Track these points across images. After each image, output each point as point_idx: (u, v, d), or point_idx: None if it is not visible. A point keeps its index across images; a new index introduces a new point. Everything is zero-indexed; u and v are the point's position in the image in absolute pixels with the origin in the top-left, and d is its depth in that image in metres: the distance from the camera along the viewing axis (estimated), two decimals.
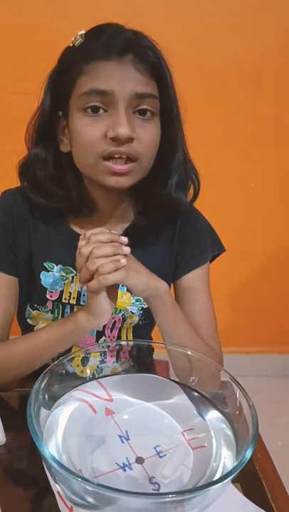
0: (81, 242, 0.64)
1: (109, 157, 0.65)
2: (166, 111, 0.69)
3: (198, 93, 1.43)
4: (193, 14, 1.37)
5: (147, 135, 0.66)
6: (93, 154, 0.65)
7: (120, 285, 0.79)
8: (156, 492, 0.44)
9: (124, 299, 0.79)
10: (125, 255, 0.63)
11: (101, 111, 0.64)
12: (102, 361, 0.70)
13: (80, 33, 0.67)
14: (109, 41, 0.63)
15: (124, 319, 0.81)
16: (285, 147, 1.55)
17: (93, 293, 0.63)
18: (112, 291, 0.66)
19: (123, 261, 0.62)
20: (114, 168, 0.65)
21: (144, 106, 0.65)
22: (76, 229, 0.79)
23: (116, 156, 0.65)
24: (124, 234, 0.79)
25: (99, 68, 0.63)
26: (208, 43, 1.40)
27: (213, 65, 1.42)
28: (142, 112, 0.66)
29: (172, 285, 0.83)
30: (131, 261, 0.65)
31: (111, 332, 0.82)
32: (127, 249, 0.64)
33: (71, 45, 0.67)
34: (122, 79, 0.63)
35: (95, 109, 0.64)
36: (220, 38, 1.40)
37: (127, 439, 0.50)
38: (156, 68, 0.66)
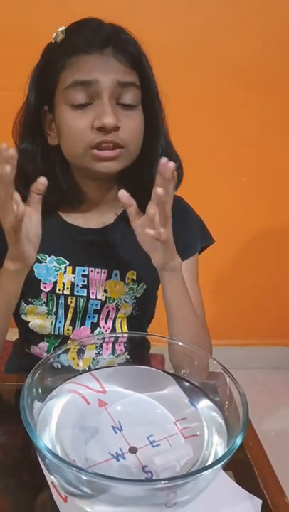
0: None
1: (96, 147, 0.67)
2: (148, 101, 0.72)
3: (193, 88, 1.43)
4: (189, 10, 1.37)
5: (132, 123, 0.69)
6: (81, 145, 0.68)
7: (114, 274, 0.79)
8: (149, 479, 0.44)
9: (117, 288, 0.80)
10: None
11: (86, 104, 0.67)
12: (98, 353, 0.71)
13: (60, 28, 0.69)
14: (90, 36, 0.66)
15: (118, 309, 0.82)
16: (278, 142, 1.56)
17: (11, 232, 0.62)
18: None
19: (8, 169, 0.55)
20: (103, 154, 0.68)
21: (127, 95, 0.68)
22: (68, 219, 0.80)
23: (104, 145, 0.67)
24: (118, 220, 0.80)
25: (81, 61, 0.66)
26: (203, 38, 1.40)
27: (208, 60, 1.43)
28: (125, 101, 0.68)
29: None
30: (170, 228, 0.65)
31: (106, 323, 0.82)
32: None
33: (52, 41, 0.70)
34: (104, 69, 0.66)
35: (81, 106, 0.66)
36: (215, 33, 1.40)
37: (120, 429, 0.51)
38: (136, 59, 0.69)
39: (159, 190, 0.60)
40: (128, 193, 0.66)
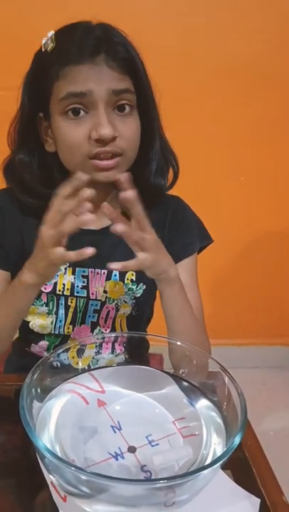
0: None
1: (95, 157, 0.67)
2: (143, 102, 0.71)
3: (191, 87, 1.44)
4: (188, 10, 1.38)
5: (129, 130, 0.68)
6: (79, 156, 0.68)
7: (113, 274, 0.80)
8: (148, 478, 0.45)
9: (116, 288, 0.81)
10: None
11: (82, 112, 0.66)
12: (98, 352, 0.71)
13: (49, 34, 0.68)
14: (80, 42, 0.65)
15: (117, 308, 0.82)
16: (276, 142, 1.56)
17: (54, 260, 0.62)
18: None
19: (85, 217, 0.58)
20: (101, 164, 0.67)
21: (122, 102, 0.67)
22: None
23: (102, 155, 0.67)
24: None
25: (74, 72, 0.65)
26: (202, 38, 1.41)
27: (206, 59, 1.43)
28: (121, 108, 0.67)
29: None
30: (153, 243, 0.64)
31: (105, 323, 0.83)
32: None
33: (43, 49, 0.68)
34: (97, 79, 0.65)
35: (76, 112, 0.66)
36: (214, 32, 1.41)
37: (119, 429, 0.51)
38: (128, 63, 0.68)
39: (116, 228, 0.59)
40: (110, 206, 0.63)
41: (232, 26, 1.41)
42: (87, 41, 0.65)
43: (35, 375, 0.50)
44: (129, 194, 0.59)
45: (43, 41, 0.68)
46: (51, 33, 0.68)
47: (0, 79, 1.32)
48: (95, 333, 0.82)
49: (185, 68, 1.42)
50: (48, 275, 0.66)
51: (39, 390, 0.51)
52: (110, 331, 0.83)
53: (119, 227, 0.60)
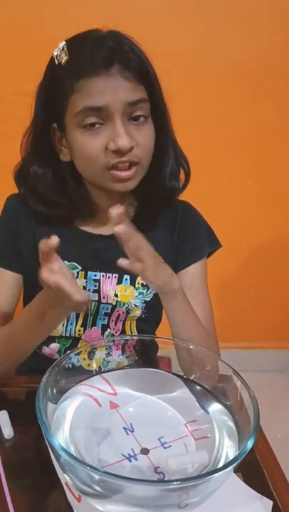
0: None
1: (113, 167, 0.67)
2: (156, 109, 0.71)
3: (196, 91, 1.44)
4: (192, 13, 1.38)
5: (145, 138, 0.69)
6: (98, 167, 0.68)
7: (124, 279, 0.81)
8: (162, 479, 0.45)
9: (127, 292, 0.81)
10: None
11: (98, 124, 0.66)
12: (108, 354, 0.72)
13: (60, 45, 0.67)
14: (93, 54, 0.64)
15: (128, 312, 0.83)
16: (283, 145, 1.57)
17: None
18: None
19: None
20: (121, 176, 0.68)
21: (138, 112, 0.67)
22: (81, 226, 0.81)
23: (120, 165, 0.67)
24: None
25: (89, 85, 0.64)
26: (207, 41, 1.41)
27: (211, 63, 1.43)
28: (136, 117, 0.68)
29: None
30: (151, 255, 0.65)
31: (115, 325, 0.83)
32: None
33: (56, 62, 0.68)
34: (113, 91, 0.64)
35: (92, 124, 0.66)
36: (218, 36, 1.41)
37: (132, 431, 0.52)
38: (142, 72, 0.67)
39: (116, 228, 0.59)
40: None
41: (237, 31, 1.40)
42: (100, 53, 0.64)
43: (50, 377, 0.51)
44: (120, 228, 0.59)
45: (55, 53, 0.68)
46: (62, 43, 0.67)
47: (12, 84, 1.34)
48: (105, 336, 0.83)
49: (191, 72, 1.42)
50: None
51: (55, 391, 0.52)
52: (120, 334, 0.84)
53: (118, 228, 0.58)
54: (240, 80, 1.46)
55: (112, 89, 0.64)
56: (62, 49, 0.66)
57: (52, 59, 0.69)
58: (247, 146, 1.54)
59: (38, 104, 0.72)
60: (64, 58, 0.66)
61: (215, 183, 1.54)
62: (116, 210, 0.58)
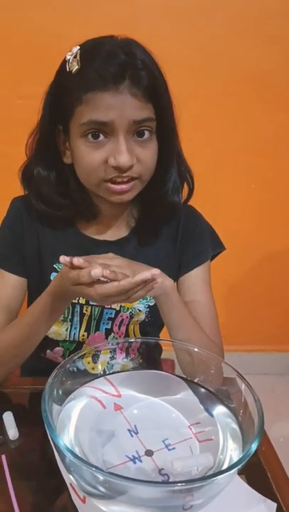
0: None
1: (110, 180, 0.68)
2: (163, 127, 0.70)
3: (200, 97, 1.45)
4: (197, 20, 1.39)
5: (147, 155, 0.69)
6: (95, 178, 0.68)
7: None
8: (166, 481, 0.45)
9: None
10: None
11: (101, 137, 0.66)
12: (113, 357, 0.72)
13: (74, 50, 0.66)
14: (104, 68, 0.63)
15: (131, 317, 0.83)
16: (286, 149, 1.57)
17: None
18: None
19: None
20: (117, 189, 0.68)
21: (142, 129, 0.67)
22: (84, 231, 0.81)
23: (118, 179, 0.67)
24: (131, 234, 0.81)
25: (97, 99, 0.64)
26: (211, 48, 1.42)
27: (215, 69, 1.44)
28: (140, 134, 0.67)
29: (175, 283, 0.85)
30: (135, 264, 0.66)
31: (119, 329, 0.84)
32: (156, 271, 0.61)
33: (67, 68, 0.66)
34: (120, 108, 0.64)
35: (95, 136, 0.66)
36: (222, 43, 1.42)
37: (136, 432, 0.52)
38: (151, 90, 0.66)
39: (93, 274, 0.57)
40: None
41: (245, 37, 1.41)
42: (111, 67, 0.63)
43: (56, 379, 0.51)
44: (96, 272, 0.58)
45: (68, 57, 0.67)
46: (76, 48, 0.66)
47: (18, 88, 1.35)
48: (109, 339, 0.83)
49: (195, 78, 1.43)
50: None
51: (60, 393, 0.52)
52: (124, 337, 0.84)
53: (95, 272, 0.57)
54: (244, 87, 1.46)
55: (119, 106, 0.64)
56: (75, 56, 0.65)
57: (64, 62, 0.68)
58: (251, 152, 1.54)
59: (46, 107, 0.72)
60: (75, 67, 0.65)
61: (219, 189, 1.54)
62: (63, 259, 0.59)
